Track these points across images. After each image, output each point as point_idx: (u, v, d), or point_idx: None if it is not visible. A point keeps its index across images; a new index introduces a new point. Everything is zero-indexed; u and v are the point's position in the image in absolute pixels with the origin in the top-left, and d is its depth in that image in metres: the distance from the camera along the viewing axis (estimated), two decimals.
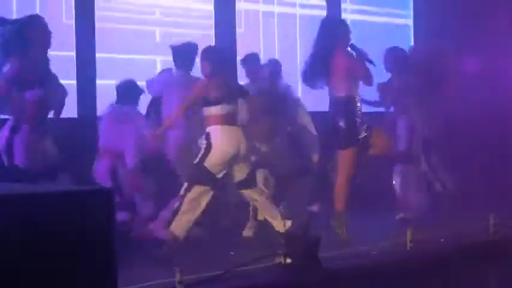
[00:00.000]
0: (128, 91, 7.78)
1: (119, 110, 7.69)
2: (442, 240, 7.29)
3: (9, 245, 3.67)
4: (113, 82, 7.96)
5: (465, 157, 9.37)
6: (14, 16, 7.63)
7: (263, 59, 8.70)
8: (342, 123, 7.24)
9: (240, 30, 9.79)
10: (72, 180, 6.73)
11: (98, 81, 8.53)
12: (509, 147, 10.21)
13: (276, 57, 9.55)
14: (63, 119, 7.30)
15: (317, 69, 7.34)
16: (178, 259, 6.01)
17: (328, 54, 7.28)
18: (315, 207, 7.46)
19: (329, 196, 7.48)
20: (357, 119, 7.29)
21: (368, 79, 7.34)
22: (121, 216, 6.95)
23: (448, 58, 8.96)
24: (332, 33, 7.35)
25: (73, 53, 8.41)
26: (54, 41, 7.05)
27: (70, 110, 7.83)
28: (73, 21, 8.46)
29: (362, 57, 7.35)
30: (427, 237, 7.24)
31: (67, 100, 7.20)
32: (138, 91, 7.85)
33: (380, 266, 6.45)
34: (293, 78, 8.85)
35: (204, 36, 9.17)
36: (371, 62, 7.39)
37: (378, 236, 7.29)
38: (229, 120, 6.95)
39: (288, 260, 6.00)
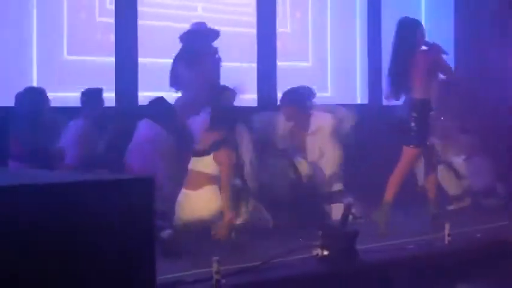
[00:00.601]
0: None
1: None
2: (478, 235, 7.26)
3: (50, 233, 3.72)
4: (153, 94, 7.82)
5: (502, 153, 9.30)
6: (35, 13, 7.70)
7: (312, 61, 8.50)
8: (414, 124, 7.30)
9: (285, 29, 9.59)
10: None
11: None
12: None
13: (328, 59, 9.42)
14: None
15: (400, 72, 7.40)
16: (216, 249, 6.03)
17: (408, 56, 7.34)
18: (351, 200, 7.44)
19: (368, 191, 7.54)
20: (429, 121, 7.40)
21: (450, 72, 7.62)
22: None
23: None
24: (410, 34, 7.40)
25: (112, 58, 8.14)
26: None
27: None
28: (108, 19, 8.19)
29: (439, 50, 7.41)
30: (464, 231, 7.23)
31: None
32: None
33: (417, 259, 6.44)
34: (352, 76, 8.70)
35: (246, 34, 9.10)
36: (446, 53, 7.51)
37: (416, 230, 7.25)
38: (191, 182, 6.88)
39: (325, 252, 6.01)
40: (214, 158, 6.83)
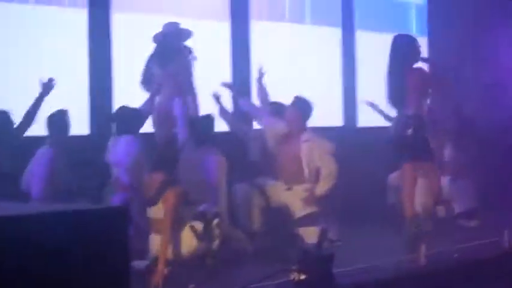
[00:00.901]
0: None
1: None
2: (455, 255, 7.27)
3: (23, 265, 3.69)
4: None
5: (480, 169, 9.32)
6: None
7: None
8: (411, 141, 7.33)
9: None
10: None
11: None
12: None
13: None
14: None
15: (396, 89, 7.40)
16: (192, 276, 6.01)
17: (403, 72, 7.39)
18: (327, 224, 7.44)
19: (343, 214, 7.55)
20: (426, 136, 7.40)
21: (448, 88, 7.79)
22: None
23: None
24: (404, 51, 7.44)
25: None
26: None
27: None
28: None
29: (436, 66, 7.47)
30: (441, 251, 7.24)
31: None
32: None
33: (394, 281, 6.44)
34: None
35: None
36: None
37: (392, 251, 7.27)
38: (154, 229, 6.49)
39: (302, 276, 5.99)
40: (162, 203, 6.43)
